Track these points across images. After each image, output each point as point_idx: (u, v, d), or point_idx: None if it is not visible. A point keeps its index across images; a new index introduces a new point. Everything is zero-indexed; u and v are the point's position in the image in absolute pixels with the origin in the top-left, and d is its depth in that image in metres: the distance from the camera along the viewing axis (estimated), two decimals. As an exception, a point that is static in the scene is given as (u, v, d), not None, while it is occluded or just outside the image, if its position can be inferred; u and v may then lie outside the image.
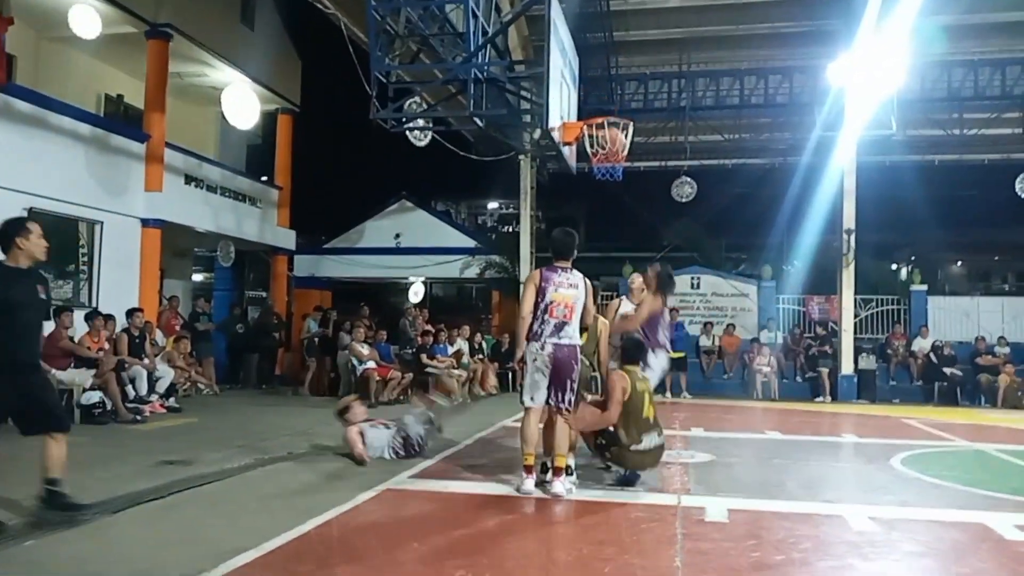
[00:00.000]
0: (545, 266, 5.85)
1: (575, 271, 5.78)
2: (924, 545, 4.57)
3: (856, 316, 15.72)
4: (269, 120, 16.94)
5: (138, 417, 9.14)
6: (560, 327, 5.60)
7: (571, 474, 5.86)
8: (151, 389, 10.04)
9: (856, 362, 15.12)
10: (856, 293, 15.48)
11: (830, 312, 16.47)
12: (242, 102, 13.65)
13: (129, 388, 9.66)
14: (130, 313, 10.55)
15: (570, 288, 5.65)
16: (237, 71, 14.53)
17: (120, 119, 13.54)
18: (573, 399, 5.66)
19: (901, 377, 15.55)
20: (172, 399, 10.33)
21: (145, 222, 12.60)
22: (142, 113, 13.15)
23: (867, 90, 12.44)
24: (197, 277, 18.13)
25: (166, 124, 12.97)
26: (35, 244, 4.72)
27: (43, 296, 4.83)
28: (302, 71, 17.14)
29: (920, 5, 10.93)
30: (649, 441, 5.70)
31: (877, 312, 16.94)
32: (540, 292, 5.68)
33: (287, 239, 17.00)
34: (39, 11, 11.39)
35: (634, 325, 6.43)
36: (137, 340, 10.25)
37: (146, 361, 10.12)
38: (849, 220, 15.06)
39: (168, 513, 4.99)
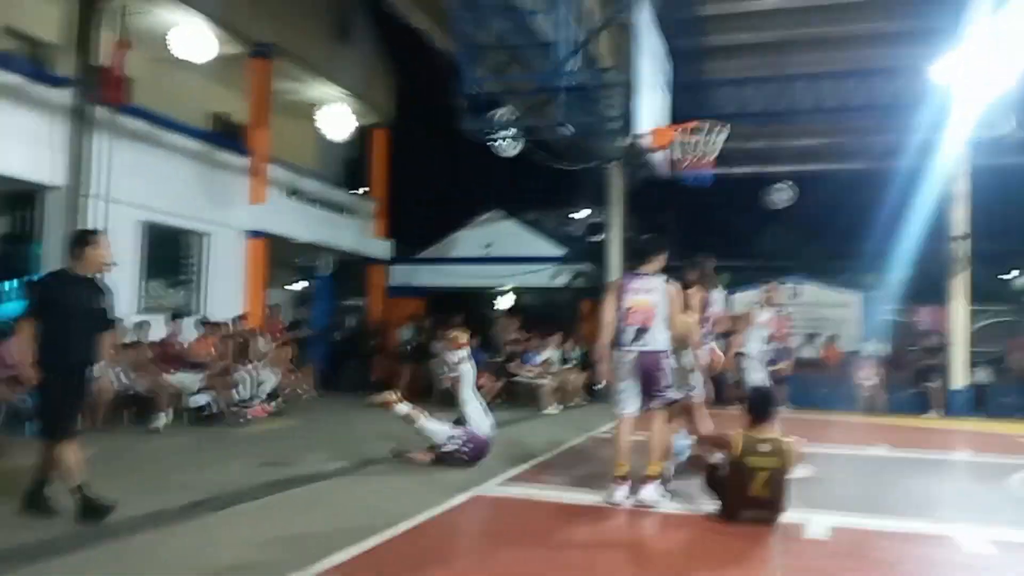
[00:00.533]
0: (625, 273, 5.80)
1: (655, 276, 5.71)
2: (1046, 571, 4.27)
3: (969, 327, 14.86)
4: (365, 133, 17.44)
5: (242, 420, 9.52)
6: (640, 333, 5.55)
7: (666, 482, 5.65)
8: (255, 393, 10.45)
9: (969, 375, 14.27)
10: (970, 303, 14.63)
11: (939, 323, 15.62)
12: (338, 116, 14.10)
13: (234, 392, 10.09)
14: (236, 320, 11.02)
15: (647, 294, 5.60)
16: (334, 86, 15.03)
17: (226, 136, 14.20)
18: (664, 400, 5.58)
19: (1019, 392, 14.58)
20: (274, 403, 10.72)
21: (249, 233, 13.16)
22: (246, 129, 13.76)
23: (977, 89, 11.77)
24: (298, 286, 18.77)
25: (269, 139, 13.53)
26: (100, 255, 4.94)
27: (100, 305, 4.99)
28: (397, 85, 17.57)
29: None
30: (756, 516, 4.96)
31: (992, 323, 15.95)
32: (619, 299, 5.67)
33: (383, 249, 17.43)
34: (154, 35, 12.08)
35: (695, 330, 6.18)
36: (242, 346, 10.68)
37: (250, 366, 10.54)
38: (960, 226, 14.27)
39: (270, 512, 5.18)
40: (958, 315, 14.32)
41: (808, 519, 5.11)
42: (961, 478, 7.92)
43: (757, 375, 7.69)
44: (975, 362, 14.50)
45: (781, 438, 4.97)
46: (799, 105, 14.61)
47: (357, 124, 15.48)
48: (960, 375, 14.21)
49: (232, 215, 12.88)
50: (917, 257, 16.09)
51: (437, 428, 6.71)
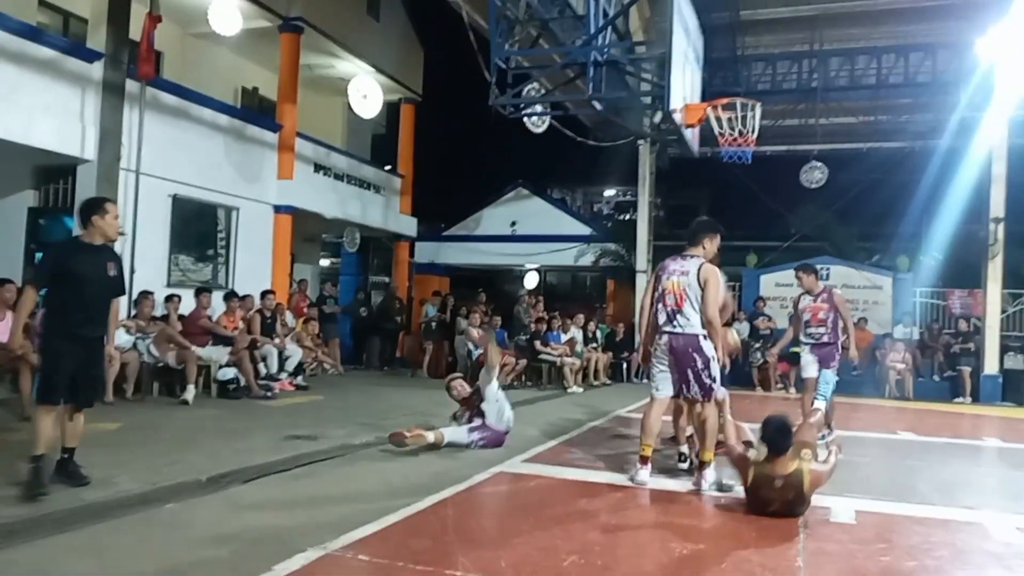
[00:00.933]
0: (672, 255, 5.76)
1: (694, 258, 5.58)
2: (1079, 560, 4.18)
3: (1003, 312, 14.56)
4: (393, 109, 17.41)
5: (268, 393, 9.62)
6: (673, 315, 5.47)
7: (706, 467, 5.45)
8: (281, 367, 10.56)
9: (1002, 361, 14.01)
10: (1003, 287, 14.32)
11: (972, 307, 15.33)
12: (367, 92, 14.07)
13: (261, 366, 10.19)
14: (263, 295, 11.12)
15: (681, 276, 5.49)
16: (363, 62, 15.01)
17: (255, 110, 14.25)
18: (707, 389, 5.42)
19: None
20: (300, 377, 10.82)
21: (277, 208, 13.23)
22: (275, 104, 13.79)
23: (1021, 66, 11.43)
24: (324, 262, 18.89)
25: (297, 114, 13.55)
26: (109, 224, 4.88)
27: (112, 273, 4.93)
28: (424, 60, 17.49)
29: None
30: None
31: (1026, 308, 15.62)
32: (656, 281, 5.62)
33: (409, 226, 17.45)
34: (184, 9, 12.11)
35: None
36: (269, 320, 10.78)
37: (277, 341, 10.64)
38: (997, 208, 13.94)
39: (294, 484, 5.23)
40: (992, 299, 14.04)
41: (834, 503, 5.06)
42: (990, 464, 7.79)
43: (809, 368, 7.63)
44: (1007, 348, 14.23)
45: (801, 468, 4.67)
46: (834, 82, 14.31)
47: (385, 100, 15.44)
48: (992, 361, 13.95)
49: (260, 190, 12.94)
50: (951, 239, 15.77)
51: (459, 435, 6.64)
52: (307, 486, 5.20)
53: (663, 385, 5.55)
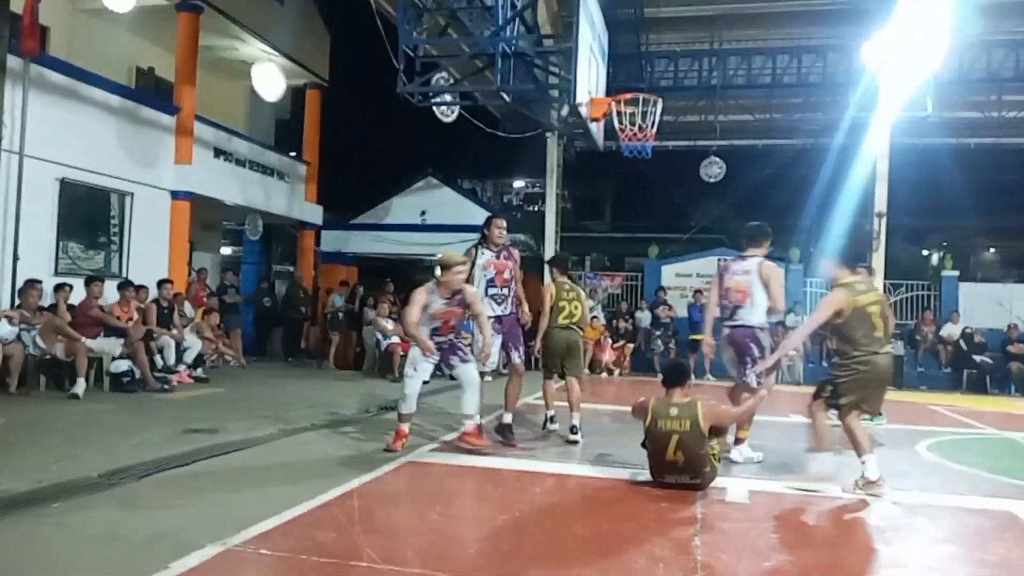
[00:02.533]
0: (732, 256, 6.48)
1: (752, 258, 6.19)
2: (948, 531, 4.52)
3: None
4: (298, 95, 16.98)
5: (165, 386, 9.27)
6: (734, 311, 6.16)
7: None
8: (179, 359, 10.18)
9: (884, 347, 14.90)
10: (886, 278, 15.23)
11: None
12: (271, 76, 13.69)
13: (157, 358, 9.81)
14: (160, 284, 10.70)
15: (744, 275, 6.13)
16: (267, 45, 14.57)
17: (151, 92, 13.64)
18: (756, 376, 6.09)
19: (929, 364, 15.33)
20: (199, 369, 10.47)
21: (175, 194, 12.72)
22: (173, 86, 13.24)
23: (902, 70, 12.15)
24: (226, 250, 18.29)
25: (196, 97, 13.05)
26: None
27: None
28: (331, 45, 17.13)
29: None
30: (677, 480, 5.05)
31: (907, 297, 16.67)
32: (720, 280, 6.31)
33: (314, 214, 17.09)
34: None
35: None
36: (166, 311, 10.38)
37: (174, 331, 10.26)
38: (881, 203, 14.81)
39: (193, 480, 5.07)
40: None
41: (729, 483, 5.30)
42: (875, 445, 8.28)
43: None
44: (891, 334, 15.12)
45: (695, 401, 5.13)
46: (732, 80, 14.85)
47: (290, 85, 15.05)
48: (876, 347, 14.79)
49: (157, 174, 12.42)
50: (844, 233, 16.65)
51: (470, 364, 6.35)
52: (206, 481, 5.06)
53: (734, 373, 6.38)
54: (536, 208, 23.84)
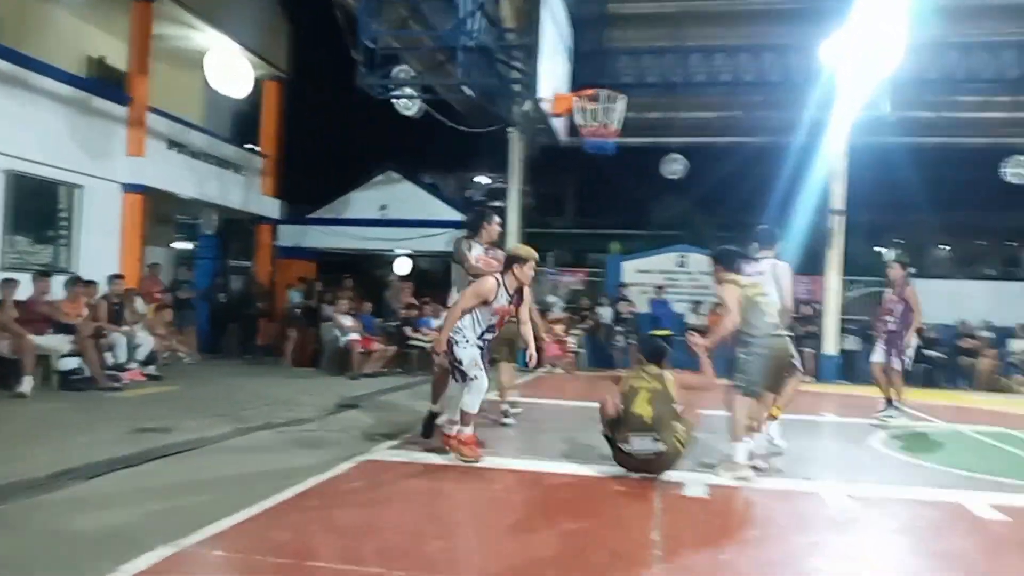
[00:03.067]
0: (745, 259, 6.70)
1: (766, 260, 6.68)
2: (901, 523, 4.60)
3: (841, 297, 15.76)
4: (256, 86, 16.66)
5: (116, 384, 9.03)
6: None
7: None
8: (130, 356, 9.92)
9: (840, 343, 15.18)
10: (844, 274, 15.50)
11: (815, 293, 16.49)
12: (228, 67, 13.39)
13: (108, 355, 9.55)
14: (110, 279, 10.42)
15: (758, 276, 6.41)
16: (224, 35, 14.25)
17: (103, 82, 13.27)
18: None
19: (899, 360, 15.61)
20: (152, 367, 10.21)
21: (127, 187, 12.38)
22: (125, 76, 12.90)
23: (860, 70, 12.35)
24: (180, 245, 17.90)
25: (149, 88, 12.73)
26: None
27: None
28: (290, 36, 16.86)
29: (915, -16, 10.84)
30: (641, 444, 5.17)
31: (863, 294, 16.98)
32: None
33: (272, 208, 16.81)
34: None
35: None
36: (117, 307, 10.12)
37: (126, 328, 10.00)
38: (838, 201, 15.05)
39: (145, 480, 4.95)
40: (832, 286, 15.17)
41: (688, 478, 5.32)
42: (828, 438, 8.42)
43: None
44: (845, 330, 15.42)
45: (664, 373, 5.47)
46: (694, 78, 14.95)
47: (249, 76, 14.76)
48: (832, 342, 15.09)
49: (108, 167, 12.08)
50: (803, 230, 16.90)
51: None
52: (158, 481, 4.93)
53: None
54: (499, 204, 23.80)
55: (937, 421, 9.24)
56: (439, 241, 18.39)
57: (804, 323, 15.57)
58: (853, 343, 15.35)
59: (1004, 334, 15.35)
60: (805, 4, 13.65)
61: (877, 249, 23.62)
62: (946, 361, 14.75)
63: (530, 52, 9.48)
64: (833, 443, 8.06)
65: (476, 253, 6.28)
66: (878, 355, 8.88)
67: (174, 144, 13.68)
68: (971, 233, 25.88)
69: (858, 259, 17.37)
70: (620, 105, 10.26)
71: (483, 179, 30.99)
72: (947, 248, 26.90)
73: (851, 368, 15.07)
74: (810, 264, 16.44)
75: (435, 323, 13.32)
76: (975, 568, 3.85)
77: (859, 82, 12.73)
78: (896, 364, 8.68)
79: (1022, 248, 25.54)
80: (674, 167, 16.44)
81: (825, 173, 15.06)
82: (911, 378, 14.71)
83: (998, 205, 20.16)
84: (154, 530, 3.75)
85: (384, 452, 6.00)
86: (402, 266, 19.48)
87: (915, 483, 5.66)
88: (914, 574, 3.83)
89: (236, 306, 14.86)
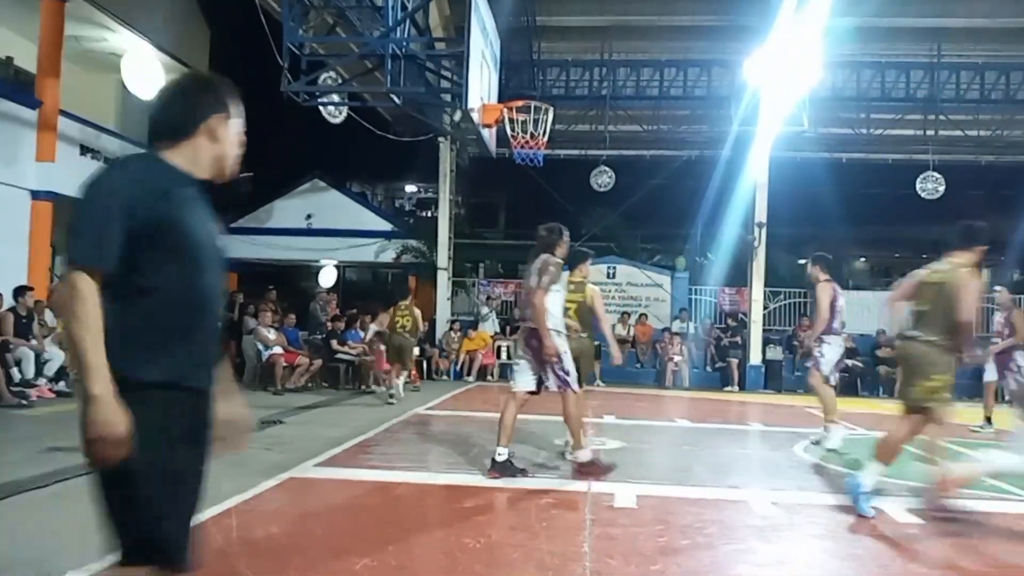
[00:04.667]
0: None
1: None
2: (823, 528, 4.68)
3: (765, 308, 16.18)
4: (175, 91, 16.13)
5: (24, 401, 8.60)
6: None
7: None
8: (39, 372, 9.46)
9: (764, 353, 15.57)
10: (766, 286, 15.92)
11: (740, 304, 16.90)
12: (145, 70, 12.93)
13: (15, 371, 9.07)
14: (18, 292, 9.90)
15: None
16: (140, 37, 13.77)
17: (10, 83, 12.64)
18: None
19: (806, 368, 16.05)
20: (62, 383, 9.74)
21: (35, 194, 11.85)
22: (34, 78, 12.31)
23: (781, 86, 12.73)
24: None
25: (61, 90, 12.18)
26: (232, 139, 2.36)
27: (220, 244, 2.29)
28: (211, 40, 16.40)
29: (831, 5, 11.23)
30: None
31: (785, 304, 17.48)
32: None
33: (193, 217, 16.28)
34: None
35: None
36: (25, 320, 9.62)
37: (34, 342, 9.52)
38: (761, 214, 15.47)
39: (56, 502, 4.68)
40: (756, 296, 15.56)
41: (617, 489, 5.32)
42: (753, 446, 8.58)
43: None
44: (768, 340, 15.83)
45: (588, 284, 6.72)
46: (622, 91, 15.16)
47: (165, 80, 14.29)
48: (756, 352, 15.46)
49: (16, 173, 11.53)
50: (728, 242, 17.30)
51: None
52: (70, 503, 4.65)
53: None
54: (429, 214, 23.67)
55: (858, 428, 9.52)
56: (368, 251, 18.15)
57: (730, 333, 15.94)
58: (776, 352, 15.76)
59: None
60: (728, 21, 14.02)
61: (799, 261, 24.38)
62: (864, 370, 15.25)
63: (460, 62, 9.41)
64: (758, 451, 8.21)
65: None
66: (990, 375, 9.23)
67: (87, 149, 13.12)
68: (887, 246, 26.98)
69: (780, 270, 17.88)
70: (549, 117, 10.30)
71: (413, 188, 30.84)
72: (864, 260, 27.98)
73: (775, 378, 15.45)
74: (738, 276, 16.85)
75: (363, 336, 13.11)
76: (891, 569, 3.95)
77: (780, 98, 13.12)
78: (1012, 384, 8.97)
79: (936, 260, 26.74)
80: (603, 179, 16.63)
81: (750, 187, 15.47)
82: (833, 388, 15.27)
83: (913, 219, 21.08)
84: (65, 554, 3.55)
85: (310, 469, 5.81)
86: (328, 277, 19.13)
87: (836, 489, 5.78)
88: (836, 578, 3.90)
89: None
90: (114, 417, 1.89)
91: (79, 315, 1.88)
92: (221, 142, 2.28)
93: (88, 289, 1.89)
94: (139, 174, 2.06)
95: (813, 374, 7.80)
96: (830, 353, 7.73)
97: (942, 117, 15.34)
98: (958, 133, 15.63)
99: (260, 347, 11.84)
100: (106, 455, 1.95)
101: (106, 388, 1.89)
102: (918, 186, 16.33)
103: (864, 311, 16.54)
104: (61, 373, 9.77)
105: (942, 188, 16.15)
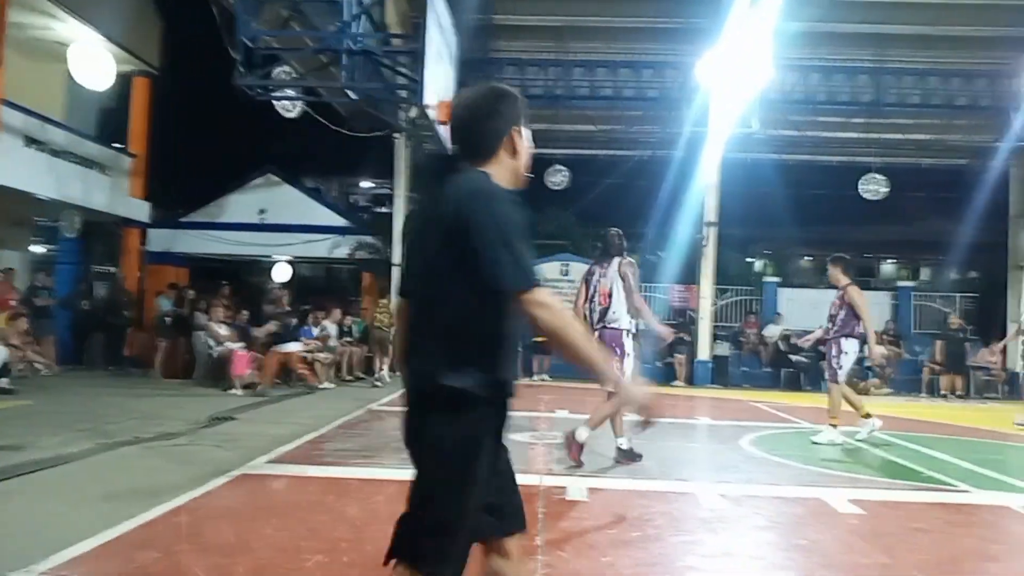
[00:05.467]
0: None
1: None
2: (768, 519, 4.84)
3: (713, 305, 16.50)
4: (124, 82, 15.76)
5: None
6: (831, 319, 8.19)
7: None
8: (-21, 368, 9.19)
9: (712, 348, 15.89)
10: (715, 283, 16.23)
11: (689, 301, 17.19)
12: (93, 61, 12.62)
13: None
14: (-43, 285, 9.60)
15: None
16: (88, 27, 13.41)
17: (-51, 71, 12.22)
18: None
19: (752, 363, 16.46)
20: (5, 380, 9.48)
21: (-24, 186, 11.48)
22: (-25, 66, 11.92)
23: (732, 88, 12.99)
24: (37, 249, 16.71)
25: (4, 80, 11.81)
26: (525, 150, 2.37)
27: None
28: (162, 31, 16.06)
29: (780, 9, 11.48)
30: None
31: (733, 301, 17.85)
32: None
33: (140, 211, 15.92)
34: None
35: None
36: (-36, 314, 9.33)
37: (-26, 337, 9.25)
38: (711, 213, 15.77)
39: (-3, 502, 4.58)
40: (705, 294, 15.86)
41: (569, 482, 5.41)
42: (701, 440, 8.78)
43: None
44: (717, 336, 16.16)
45: None
46: (576, 91, 15.29)
47: (117, 71, 13.96)
48: (704, 348, 15.76)
49: (-46, 163, 11.14)
50: (680, 241, 17.59)
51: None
52: (10, 503, 4.57)
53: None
54: (385, 209, 23.51)
55: (801, 422, 9.80)
56: (321, 247, 17.97)
57: (678, 329, 16.21)
58: (724, 348, 16.08)
59: (860, 340, 16.44)
60: (681, 23, 14.24)
61: (748, 260, 24.89)
62: (808, 365, 15.65)
63: (416, 58, 9.41)
64: (706, 445, 8.41)
65: None
66: None
67: (32, 141, 12.74)
68: (831, 246, 27.61)
69: (729, 269, 18.24)
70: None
71: (368, 184, 30.59)
72: (810, 259, 28.67)
73: (722, 373, 15.77)
74: (690, 274, 17.14)
75: (316, 332, 13.01)
76: (833, 558, 4.10)
77: (731, 99, 13.38)
78: None
79: (877, 260, 27.57)
80: (558, 178, 16.76)
81: (700, 187, 15.75)
82: (776, 382, 15.71)
83: (856, 220, 21.68)
84: (6, 555, 3.48)
85: (261, 466, 5.78)
86: (282, 273, 18.91)
87: (781, 481, 5.99)
88: (778, 566, 4.04)
89: (101, 314, 13.99)
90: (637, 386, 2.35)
91: (570, 323, 2.10)
92: (520, 154, 2.33)
93: (559, 301, 2.11)
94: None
95: (831, 387, 7.97)
96: (847, 363, 8.01)
97: (885, 121, 15.81)
98: (900, 136, 16.13)
99: (211, 343, 11.67)
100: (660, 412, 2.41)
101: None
102: (861, 187, 16.82)
103: (810, 308, 16.98)
104: (4, 369, 9.51)
105: (884, 190, 16.67)
